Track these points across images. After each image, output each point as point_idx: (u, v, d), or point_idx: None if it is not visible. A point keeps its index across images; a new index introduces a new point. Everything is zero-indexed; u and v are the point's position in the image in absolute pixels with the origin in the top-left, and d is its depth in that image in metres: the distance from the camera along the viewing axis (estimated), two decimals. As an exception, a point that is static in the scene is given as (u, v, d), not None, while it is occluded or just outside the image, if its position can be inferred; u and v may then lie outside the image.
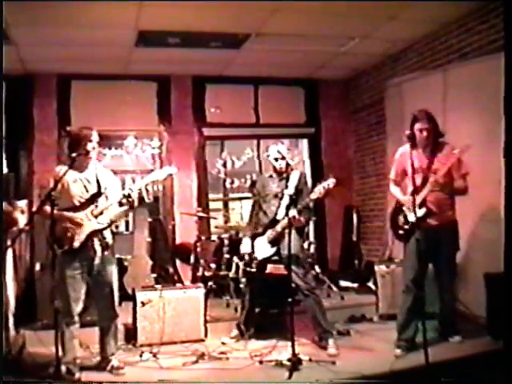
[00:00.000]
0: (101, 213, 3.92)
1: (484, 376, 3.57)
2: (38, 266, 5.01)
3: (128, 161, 7.64)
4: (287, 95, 7.86)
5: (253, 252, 4.72)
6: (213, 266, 6.25)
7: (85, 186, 3.97)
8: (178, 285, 5.60)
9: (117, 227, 4.22)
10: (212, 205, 7.88)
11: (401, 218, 4.41)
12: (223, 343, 4.69)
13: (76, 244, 3.85)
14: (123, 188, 4.05)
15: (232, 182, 8.55)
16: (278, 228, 4.52)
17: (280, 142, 4.81)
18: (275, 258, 4.65)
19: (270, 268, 4.73)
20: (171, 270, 6.50)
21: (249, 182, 8.46)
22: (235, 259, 5.84)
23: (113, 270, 4.05)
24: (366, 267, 6.83)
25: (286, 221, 4.37)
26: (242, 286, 5.36)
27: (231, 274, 5.86)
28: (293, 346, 3.91)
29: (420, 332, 3.96)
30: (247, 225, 5.10)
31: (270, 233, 4.61)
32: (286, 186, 4.60)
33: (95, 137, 3.99)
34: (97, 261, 3.92)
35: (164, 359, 4.29)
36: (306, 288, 4.46)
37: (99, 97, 7.01)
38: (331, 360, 4.05)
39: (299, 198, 4.46)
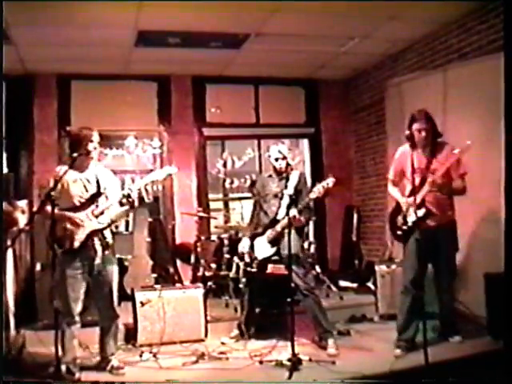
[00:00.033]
0: (101, 213, 3.92)
1: (484, 376, 3.57)
2: (38, 266, 5.02)
3: (128, 161, 7.64)
4: (287, 95, 7.86)
5: (251, 251, 4.72)
6: (213, 266, 6.25)
7: (85, 186, 3.97)
8: (178, 285, 5.60)
9: (117, 227, 4.22)
10: (212, 205, 7.88)
11: (399, 219, 4.40)
12: (223, 343, 4.69)
13: (76, 244, 3.85)
14: (123, 188, 4.05)
15: (232, 182, 8.55)
16: (278, 228, 4.52)
17: (281, 142, 4.81)
18: (275, 257, 4.65)
19: (270, 268, 4.73)
20: (171, 270, 6.50)
21: (248, 182, 8.46)
22: (235, 259, 5.84)
23: (113, 270, 4.05)
24: (367, 267, 6.83)
25: (286, 220, 4.37)
26: (241, 286, 5.35)
27: (231, 274, 5.86)
28: (293, 345, 3.91)
29: (420, 332, 3.96)
30: (248, 225, 5.09)
31: (269, 233, 4.61)
32: (286, 186, 4.60)
33: (96, 137, 3.99)
34: (97, 260, 3.92)
35: (164, 359, 4.29)
36: (306, 288, 4.46)
37: (99, 97, 7.01)
38: (331, 360, 4.05)
39: (299, 197, 4.45)
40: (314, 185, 4.31)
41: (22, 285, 5.04)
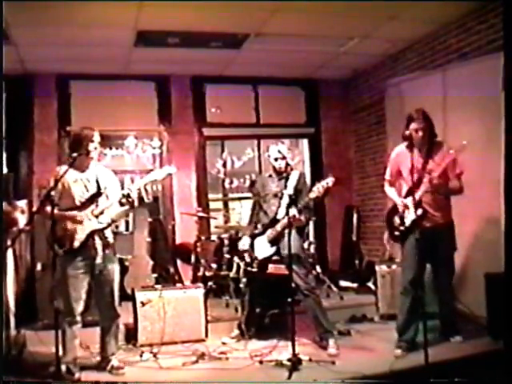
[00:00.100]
0: (101, 212, 3.92)
1: (484, 376, 3.57)
2: (39, 266, 5.02)
3: (128, 161, 7.64)
4: (287, 95, 7.85)
5: (251, 250, 4.72)
6: (214, 265, 6.25)
7: (85, 186, 3.97)
8: (178, 285, 5.60)
9: (117, 227, 4.23)
10: (212, 205, 7.88)
11: (396, 219, 4.39)
12: (223, 343, 4.69)
13: (76, 244, 3.85)
14: (123, 188, 4.05)
15: (231, 182, 8.55)
16: (278, 227, 4.52)
17: (280, 142, 4.81)
18: (276, 257, 4.65)
19: (270, 268, 4.73)
20: (172, 270, 6.50)
21: (248, 182, 8.46)
22: (236, 259, 5.84)
23: (115, 269, 4.06)
24: (367, 267, 6.83)
25: (285, 220, 4.37)
26: (241, 286, 5.35)
27: (232, 274, 5.86)
28: (293, 345, 3.91)
29: (420, 332, 3.96)
30: (248, 225, 5.10)
31: (269, 232, 4.61)
32: (286, 186, 4.60)
33: (96, 137, 3.99)
34: (98, 260, 3.92)
35: (164, 359, 4.29)
36: (306, 288, 4.46)
37: (99, 97, 7.00)
38: (331, 360, 4.05)
39: (299, 197, 4.45)
40: (313, 184, 4.31)
41: (22, 285, 5.04)
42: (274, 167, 4.73)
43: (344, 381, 3.62)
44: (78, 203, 3.92)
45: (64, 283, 3.86)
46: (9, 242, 4.25)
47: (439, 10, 5.41)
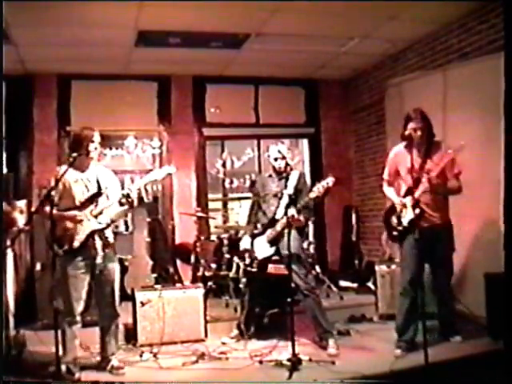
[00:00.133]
0: (100, 212, 3.92)
1: (484, 376, 3.57)
2: (38, 266, 5.02)
3: (128, 161, 7.65)
4: (287, 95, 7.86)
5: (252, 250, 4.72)
6: (213, 265, 6.25)
7: (86, 186, 3.97)
8: (178, 285, 5.60)
9: (116, 227, 4.22)
10: (211, 205, 7.88)
11: (394, 219, 4.38)
12: (223, 343, 4.69)
13: (76, 244, 3.85)
14: (123, 188, 4.05)
15: (231, 182, 8.56)
16: (278, 227, 4.52)
17: (280, 142, 4.81)
18: (276, 257, 4.65)
19: (270, 268, 4.73)
20: (171, 270, 6.50)
21: (248, 182, 8.47)
22: (235, 259, 5.84)
23: (115, 268, 4.05)
24: (367, 267, 6.83)
25: (284, 220, 4.37)
26: (241, 285, 5.35)
27: (231, 274, 5.86)
28: (293, 346, 3.91)
29: (420, 332, 3.96)
30: (246, 225, 5.09)
31: (269, 232, 4.60)
32: (286, 186, 4.60)
33: (97, 137, 3.99)
34: (98, 260, 3.92)
35: (164, 359, 4.29)
36: (306, 288, 4.45)
37: (99, 97, 7.01)
38: (331, 360, 4.05)
39: (299, 197, 4.45)
40: (313, 184, 4.31)
41: (22, 285, 5.04)
42: (273, 167, 4.73)
43: (344, 381, 3.61)
44: (78, 203, 3.92)
45: (64, 283, 3.86)
46: (8, 242, 4.26)
47: (439, 10, 5.41)
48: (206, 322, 4.90)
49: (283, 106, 7.79)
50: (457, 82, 5.44)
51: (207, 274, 6.17)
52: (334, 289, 6.20)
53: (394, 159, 4.51)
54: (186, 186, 7.38)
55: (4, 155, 6.36)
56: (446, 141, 4.60)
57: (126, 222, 6.77)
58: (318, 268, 6.28)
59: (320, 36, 6.06)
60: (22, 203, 4.88)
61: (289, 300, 4.10)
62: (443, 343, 4.35)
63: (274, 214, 4.62)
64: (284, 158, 4.65)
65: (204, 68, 7.13)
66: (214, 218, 7.21)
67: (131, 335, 4.70)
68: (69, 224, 3.85)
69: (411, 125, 4.22)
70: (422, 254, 4.03)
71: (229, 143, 8.26)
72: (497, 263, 4.01)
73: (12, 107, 6.40)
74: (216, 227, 7.19)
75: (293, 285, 4.29)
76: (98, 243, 3.93)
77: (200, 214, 6.65)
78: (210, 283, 5.97)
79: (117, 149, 7.61)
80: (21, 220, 4.52)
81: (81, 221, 3.86)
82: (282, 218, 4.46)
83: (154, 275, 6.05)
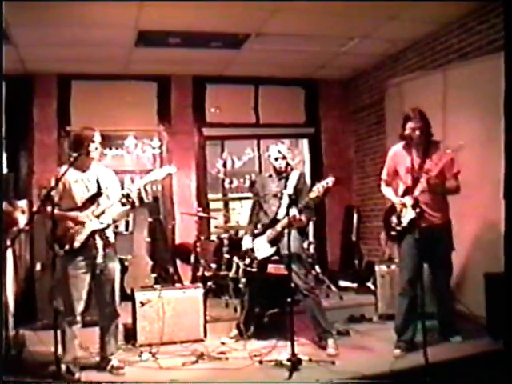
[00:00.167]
0: (102, 212, 3.92)
1: (484, 376, 3.57)
2: (38, 266, 5.02)
3: (128, 161, 7.65)
4: (287, 95, 7.86)
5: (252, 250, 4.71)
6: (213, 266, 6.25)
7: (86, 186, 3.97)
8: (178, 285, 5.60)
9: (116, 227, 4.23)
10: (212, 205, 7.88)
11: (393, 219, 4.38)
12: (223, 343, 4.69)
13: (77, 244, 3.85)
14: (123, 188, 4.05)
15: (231, 182, 8.56)
16: (278, 228, 4.51)
17: (280, 142, 4.81)
18: (276, 257, 4.65)
19: (270, 268, 4.73)
20: (171, 270, 6.50)
21: (248, 182, 8.48)
22: (235, 259, 5.84)
23: (115, 268, 4.05)
24: (367, 267, 6.83)
25: (286, 220, 4.37)
26: (241, 285, 5.35)
27: (231, 274, 5.86)
28: (292, 345, 3.91)
29: (419, 332, 3.96)
30: (247, 225, 5.09)
31: (269, 232, 4.60)
32: (286, 186, 4.60)
33: (97, 137, 3.99)
34: (99, 260, 3.92)
35: (163, 359, 4.29)
36: (306, 288, 4.45)
37: (99, 97, 7.01)
38: (331, 360, 4.05)
39: (299, 197, 4.45)
40: (313, 184, 4.31)
41: (22, 285, 5.04)
42: (274, 167, 4.73)
43: (343, 381, 3.62)
44: (79, 203, 3.92)
45: (65, 283, 3.86)
46: (8, 242, 4.26)
47: (439, 10, 5.41)
48: (206, 322, 4.90)
49: (283, 106, 7.79)
50: (457, 82, 5.44)
51: (207, 274, 6.17)
52: (334, 289, 6.20)
53: (392, 159, 4.50)
54: (186, 186, 7.38)
55: (4, 155, 6.36)
56: (446, 141, 4.60)
57: (126, 222, 6.77)
58: (317, 268, 6.28)
59: (320, 36, 6.06)
60: (22, 203, 4.89)
61: (288, 300, 4.10)
62: (443, 343, 4.35)
63: (276, 214, 4.62)
64: (284, 157, 4.65)
65: (204, 68, 7.13)
66: (215, 218, 7.21)
67: (131, 335, 4.70)
68: (70, 224, 3.86)
69: (410, 124, 4.22)
70: (421, 254, 4.01)
71: (229, 143, 8.26)
72: (497, 263, 4.01)
73: (12, 107, 6.41)
74: (216, 227, 7.19)
75: (292, 285, 4.29)
76: (99, 243, 3.93)
77: (201, 214, 6.65)
78: (209, 283, 5.97)
79: (117, 149, 7.61)
80: (21, 220, 4.52)
81: (83, 222, 3.86)
82: (284, 218, 4.46)
83: (154, 275, 6.05)
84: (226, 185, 8.20)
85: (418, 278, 4.13)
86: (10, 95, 6.51)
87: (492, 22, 5.17)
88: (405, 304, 4.28)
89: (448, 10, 5.44)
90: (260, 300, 4.90)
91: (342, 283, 6.68)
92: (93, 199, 3.94)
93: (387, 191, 4.55)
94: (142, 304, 4.71)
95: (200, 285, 5.18)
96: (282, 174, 4.68)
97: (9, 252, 4.43)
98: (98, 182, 3.99)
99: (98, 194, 3.96)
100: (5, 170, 6.26)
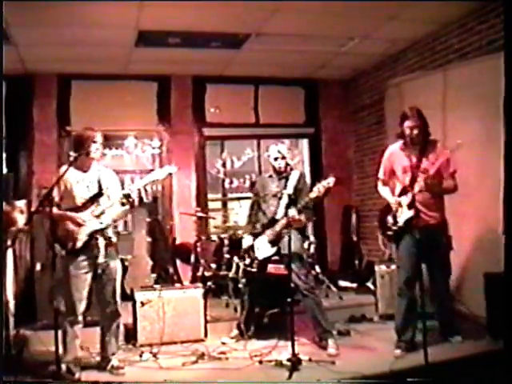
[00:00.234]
0: (102, 212, 3.92)
1: (484, 376, 3.57)
2: (38, 266, 5.02)
3: (128, 161, 7.65)
4: (287, 95, 7.86)
5: (252, 250, 4.71)
6: (213, 266, 6.25)
7: (87, 186, 3.97)
8: (178, 285, 5.60)
9: (115, 227, 4.22)
10: (211, 205, 7.88)
11: (389, 219, 4.37)
12: (223, 343, 4.69)
13: (78, 244, 3.85)
14: (124, 188, 4.05)
15: (231, 182, 8.56)
16: (278, 228, 4.51)
17: (280, 142, 4.81)
18: (276, 257, 4.65)
19: (270, 268, 4.73)
20: (171, 270, 6.50)
21: (248, 183, 8.47)
22: (235, 259, 5.84)
23: (117, 267, 4.05)
24: (367, 267, 6.83)
25: (284, 221, 4.37)
26: (241, 286, 5.35)
27: (231, 274, 5.85)
28: (293, 345, 3.91)
29: (419, 332, 3.96)
30: (246, 225, 5.09)
31: (269, 232, 4.60)
32: (285, 186, 4.60)
33: (99, 138, 3.99)
34: (100, 259, 3.92)
35: (164, 359, 4.29)
36: (305, 288, 4.45)
37: (99, 97, 7.01)
38: (331, 360, 4.05)
39: (299, 197, 4.45)
40: (313, 184, 4.31)
41: (22, 285, 5.03)
42: (273, 167, 4.73)
43: (343, 381, 3.61)
44: (79, 203, 3.92)
45: (66, 283, 3.86)
46: (8, 242, 4.26)
47: (439, 10, 5.41)
48: (206, 322, 4.90)
49: (283, 106, 7.79)
50: (457, 82, 5.44)
51: (207, 274, 6.17)
52: (334, 289, 6.19)
53: (389, 158, 4.50)
54: (186, 186, 7.38)
55: (4, 155, 6.36)
56: (446, 141, 4.60)
57: (125, 222, 6.78)
58: (317, 268, 6.27)
59: (320, 36, 6.06)
60: (21, 203, 4.88)
61: (289, 300, 4.10)
62: (443, 343, 4.34)
63: (274, 214, 4.62)
64: (284, 157, 4.65)
65: (204, 68, 7.13)
66: (214, 218, 7.20)
67: (131, 335, 4.70)
68: (71, 224, 3.86)
69: (407, 123, 4.21)
70: (419, 254, 4.01)
71: (229, 143, 8.25)
72: (497, 263, 4.01)
73: (12, 107, 6.40)
74: (215, 227, 7.19)
75: (292, 285, 4.28)
76: (101, 243, 3.93)
77: (200, 214, 6.65)
78: (209, 283, 5.97)
79: (117, 149, 7.61)
80: (21, 220, 4.52)
81: (84, 222, 3.86)
82: (282, 218, 4.46)
83: (154, 275, 6.05)
84: (226, 185, 8.20)
85: (416, 278, 4.13)
86: (9, 95, 6.51)
87: (492, 22, 5.17)
88: (403, 304, 4.27)
89: (448, 10, 5.45)
90: (260, 300, 4.90)
91: (342, 283, 6.68)
92: (93, 199, 3.95)
93: (384, 191, 4.55)
94: (143, 304, 4.71)
95: (200, 285, 5.18)
96: (282, 174, 4.68)
97: (9, 252, 4.44)
98: (99, 182, 3.99)
99: (99, 194, 3.96)
100: (5, 170, 6.25)
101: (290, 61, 6.90)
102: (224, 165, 8.09)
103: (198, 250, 6.41)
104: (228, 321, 5.15)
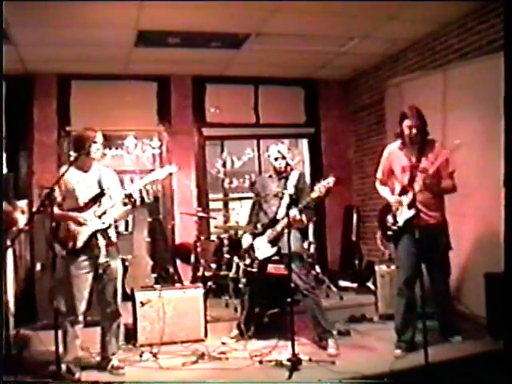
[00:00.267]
0: (104, 212, 3.92)
1: (484, 376, 3.57)
2: (38, 266, 5.02)
3: (128, 161, 7.65)
4: (287, 95, 7.85)
5: (252, 250, 4.71)
6: (213, 265, 6.25)
7: (88, 187, 3.97)
8: (178, 285, 5.60)
9: (116, 227, 4.23)
10: (212, 205, 7.88)
11: (389, 219, 4.37)
12: (223, 343, 4.69)
13: (79, 244, 3.86)
14: (124, 188, 4.05)
15: (231, 182, 8.56)
16: (278, 228, 4.52)
17: (280, 142, 4.81)
18: (276, 257, 4.65)
19: (270, 268, 4.73)
20: (171, 270, 6.50)
21: (248, 182, 8.48)
22: (235, 259, 5.84)
23: (117, 267, 4.05)
24: (367, 267, 6.83)
25: (286, 221, 4.37)
26: (241, 285, 5.35)
27: (231, 274, 5.86)
28: (293, 345, 3.91)
29: (419, 332, 3.96)
30: (247, 224, 5.09)
31: (270, 232, 4.60)
32: (286, 186, 4.60)
33: (99, 138, 3.99)
34: (101, 259, 3.92)
35: (164, 359, 4.29)
36: (305, 288, 4.45)
37: (99, 97, 7.01)
38: (331, 360, 4.05)
39: (299, 197, 4.45)
40: (314, 184, 4.31)
41: (22, 285, 5.04)
42: (274, 167, 4.73)
43: (343, 381, 3.62)
44: (81, 204, 3.93)
45: (67, 283, 3.86)
46: (9, 242, 4.26)
47: (439, 10, 5.41)
48: (206, 322, 4.90)
49: (283, 105, 7.79)
50: (457, 82, 5.44)
51: (207, 274, 6.17)
52: (334, 289, 6.19)
53: (388, 158, 4.49)
54: (186, 186, 7.38)
55: (4, 155, 6.36)
56: (446, 141, 4.60)
57: (126, 222, 6.77)
58: (317, 268, 6.27)
59: (320, 36, 6.06)
60: (22, 203, 4.88)
61: (289, 300, 4.10)
62: (443, 343, 4.34)
63: (276, 214, 4.62)
64: (284, 157, 4.65)
65: (204, 68, 7.13)
66: (214, 218, 7.20)
67: (131, 335, 4.70)
68: (72, 224, 3.86)
69: (407, 122, 4.20)
70: (418, 254, 4.00)
71: (229, 143, 8.25)
72: (497, 263, 4.01)
73: (12, 107, 6.40)
74: (216, 227, 7.19)
75: (292, 285, 4.28)
76: (102, 242, 3.93)
77: (201, 214, 6.65)
78: (209, 283, 5.97)
79: (117, 149, 7.61)
80: (21, 220, 4.52)
81: (85, 221, 3.86)
82: (283, 218, 4.45)
83: (154, 275, 6.05)
84: (226, 185, 8.20)
85: (416, 278, 4.13)
86: (9, 95, 6.51)
87: (492, 22, 5.17)
88: (403, 304, 4.27)
89: (448, 10, 5.45)
90: (260, 300, 4.90)
91: (342, 283, 6.68)
92: (95, 199, 3.95)
93: (383, 190, 4.55)
94: (143, 304, 4.72)
95: (200, 285, 5.18)
96: (282, 174, 4.68)
97: (9, 252, 4.44)
98: (99, 182, 3.99)
99: (101, 194, 3.96)
100: (5, 170, 6.26)
101: (289, 61, 6.90)
102: (224, 165, 8.09)
103: (198, 249, 6.41)
104: (228, 321, 5.15)
